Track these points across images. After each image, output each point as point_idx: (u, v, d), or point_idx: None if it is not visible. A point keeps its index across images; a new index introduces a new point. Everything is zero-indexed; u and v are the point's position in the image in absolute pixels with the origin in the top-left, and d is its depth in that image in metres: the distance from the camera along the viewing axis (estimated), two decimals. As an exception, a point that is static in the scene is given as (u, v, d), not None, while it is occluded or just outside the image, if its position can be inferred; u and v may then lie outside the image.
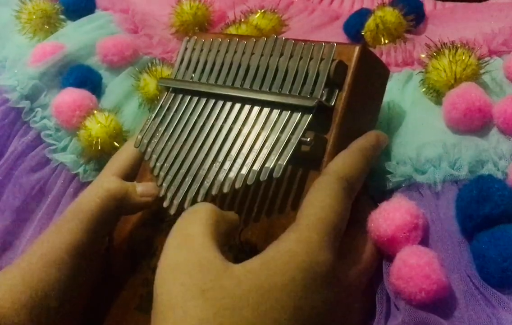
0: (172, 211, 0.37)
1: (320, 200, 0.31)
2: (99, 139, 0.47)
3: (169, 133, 0.40)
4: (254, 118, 0.36)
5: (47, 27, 0.56)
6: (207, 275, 0.28)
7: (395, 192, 0.36)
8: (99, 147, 0.47)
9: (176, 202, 0.37)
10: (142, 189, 0.39)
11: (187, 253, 0.29)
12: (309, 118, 0.34)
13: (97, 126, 0.47)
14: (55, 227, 0.37)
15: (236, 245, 0.36)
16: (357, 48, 0.36)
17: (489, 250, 0.32)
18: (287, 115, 0.35)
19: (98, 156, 0.48)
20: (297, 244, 0.29)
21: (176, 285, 0.28)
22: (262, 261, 0.29)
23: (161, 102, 0.42)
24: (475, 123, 0.37)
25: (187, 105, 0.40)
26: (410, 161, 0.37)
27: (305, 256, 0.29)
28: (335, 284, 0.30)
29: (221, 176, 0.36)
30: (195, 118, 0.39)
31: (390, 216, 0.34)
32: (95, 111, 0.48)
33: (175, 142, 0.39)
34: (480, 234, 0.33)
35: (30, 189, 0.49)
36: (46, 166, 0.49)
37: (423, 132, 0.38)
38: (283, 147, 0.34)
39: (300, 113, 0.35)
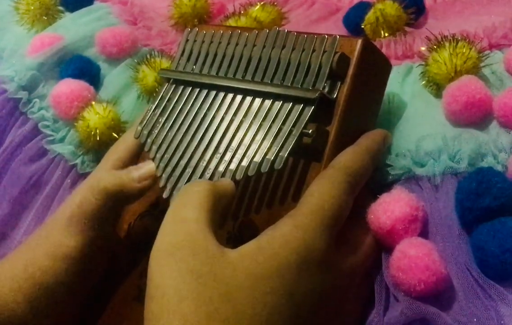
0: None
1: (323, 190, 0.31)
2: (97, 130, 0.47)
3: (170, 125, 0.40)
4: (256, 110, 0.36)
5: (45, 18, 0.56)
6: (201, 261, 0.27)
7: (394, 184, 0.37)
8: (97, 139, 0.47)
9: (176, 193, 0.37)
10: (138, 174, 0.38)
11: (182, 238, 0.28)
12: (311, 110, 0.34)
13: (95, 117, 0.47)
14: (61, 224, 0.37)
15: (236, 236, 0.36)
16: (359, 41, 0.36)
17: (488, 243, 0.32)
18: (289, 107, 0.35)
19: (96, 148, 0.48)
20: (292, 230, 0.29)
21: (170, 269, 0.28)
22: (257, 245, 0.29)
23: (161, 94, 0.42)
24: (475, 116, 0.37)
25: (187, 96, 0.40)
26: (409, 154, 0.37)
27: (300, 242, 0.29)
28: (330, 271, 0.30)
29: (222, 168, 0.36)
30: (196, 109, 0.39)
31: (389, 207, 0.34)
32: (93, 102, 0.48)
33: (176, 133, 0.39)
34: (480, 226, 0.33)
35: (28, 179, 0.48)
36: (43, 157, 0.49)
37: (423, 125, 0.38)
38: (284, 139, 0.34)
39: (302, 105, 0.35)
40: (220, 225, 0.32)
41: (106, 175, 0.38)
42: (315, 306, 0.29)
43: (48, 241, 0.36)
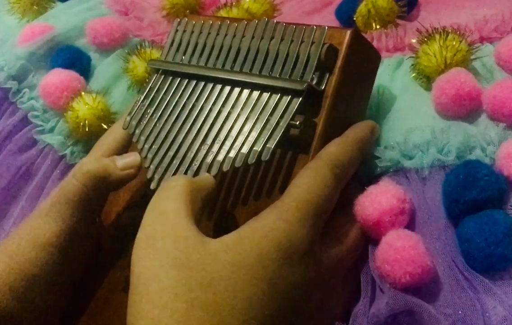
0: (160, 193, 0.36)
1: (308, 182, 0.31)
2: (86, 121, 0.46)
3: (158, 115, 0.39)
4: (244, 101, 0.36)
5: (36, 7, 0.55)
6: (182, 249, 0.27)
7: (382, 176, 0.36)
8: (87, 129, 0.46)
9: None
10: (122, 162, 0.38)
11: (162, 228, 0.29)
12: (299, 101, 0.34)
13: (84, 107, 0.47)
14: (43, 211, 0.37)
15: (223, 228, 0.36)
16: (348, 32, 0.35)
17: (475, 235, 0.32)
18: (277, 99, 0.35)
19: (85, 138, 0.47)
20: (275, 220, 0.29)
21: (151, 259, 0.28)
22: (239, 235, 0.29)
23: (150, 84, 0.41)
24: (464, 109, 0.37)
25: (176, 87, 0.40)
26: (398, 146, 0.37)
27: (282, 233, 0.29)
28: (313, 263, 0.30)
29: (209, 159, 0.35)
30: (184, 100, 0.39)
31: (377, 199, 0.34)
32: (83, 93, 0.48)
33: (164, 124, 0.39)
34: (466, 219, 0.33)
35: (17, 169, 0.48)
36: (33, 147, 0.49)
37: (412, 118, 0.38)
38: (272, 131, 0.34)
39: (290, 96, 0.34)
40: (202, 216, 0.31)
41: (90, 160, 0.38)
42: (298, 297, 0.29)
43: (31, 230, 0.36)
